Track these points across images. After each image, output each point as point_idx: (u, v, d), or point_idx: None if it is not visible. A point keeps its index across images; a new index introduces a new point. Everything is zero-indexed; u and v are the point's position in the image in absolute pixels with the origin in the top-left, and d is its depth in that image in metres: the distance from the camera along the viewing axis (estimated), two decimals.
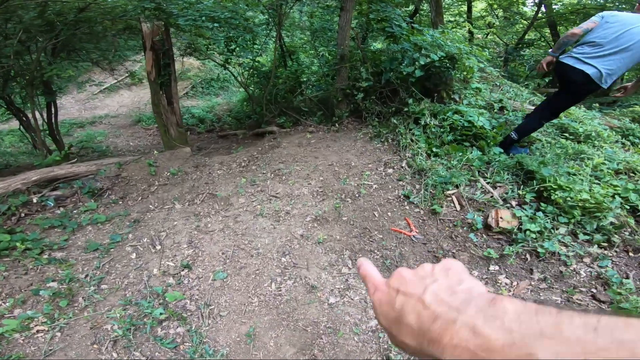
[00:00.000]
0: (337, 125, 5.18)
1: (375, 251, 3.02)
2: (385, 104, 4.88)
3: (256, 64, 6.39)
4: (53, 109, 5.68)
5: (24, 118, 5.08)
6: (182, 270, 2.77)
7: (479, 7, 9.85)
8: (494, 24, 9.84)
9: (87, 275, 2.69)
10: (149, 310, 2.40)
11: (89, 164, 4.34)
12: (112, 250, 3.03)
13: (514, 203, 3.24)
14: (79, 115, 10.07)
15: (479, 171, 3.67)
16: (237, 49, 5.30)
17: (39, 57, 4.75)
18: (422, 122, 4.11)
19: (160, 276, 2.73)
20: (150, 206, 3.86)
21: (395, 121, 4.33)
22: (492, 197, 3.36)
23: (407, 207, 3.44)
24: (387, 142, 4.35)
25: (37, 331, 2.18)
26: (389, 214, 3.38)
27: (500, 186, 3.54)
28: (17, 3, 3.85)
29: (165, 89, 5.22)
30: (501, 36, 9.99)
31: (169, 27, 4.87)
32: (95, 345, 2.16)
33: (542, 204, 3.07)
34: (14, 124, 8.43)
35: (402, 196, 3.52)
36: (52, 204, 3.72)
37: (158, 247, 3.08)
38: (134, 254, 3.00)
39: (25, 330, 2.17)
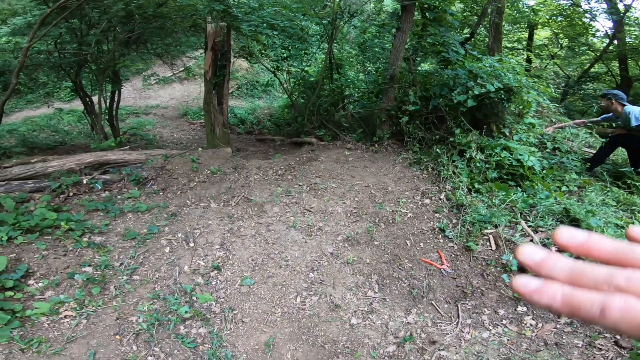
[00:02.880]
0: (376, 145, 5.14)
1: (403, 279, 2.93)
2: (429, 130, 4.78)
3: (304, 73, 6.51)
4: (116, 98, 6.08)
5: (89, 102, 5.49)
6: (212, 271, 2.83)
7: (542, 34, 9.40)
8: (556, 54, 9.33)
9: (121, 264, 2.81)
10: (175, 307, 2.46)
11: (139, 152, 4.59)
12: (148, 241, 3.16)
13: (554, 250, 3.08)
14: (134, 104, 10.74)
15: (521, 213, 3.50)
16: (290, 57, 5.43)
17: (116, 47, 5.14)
18: (467, 155, 3.98)
19: (190, 274, 2.80)
20: (188, 201, 4.00)
21: (438, 150, 4.22)
22: (531, 240, 3.20)
23: (441, 240, 3.32)
24: (426, 171, 4.25)
25: (65, 316, 2.29)
26: (422, 244, 3.28)
27: (542, 231, 3.37)
28: None
29: (218, 90, 5.45)
30: (563, 67, 9.44)
31: (230, 29, 5.10)
32: (117, 336, 2.24)
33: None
34: (75, 104, 9.10)
35: (437, 228, 3.41)
36: (100, 187, 3.95)
37: (191, 244, 3.17)
38: (168, 248, 3.11)
39: (54, 314, 2.28)
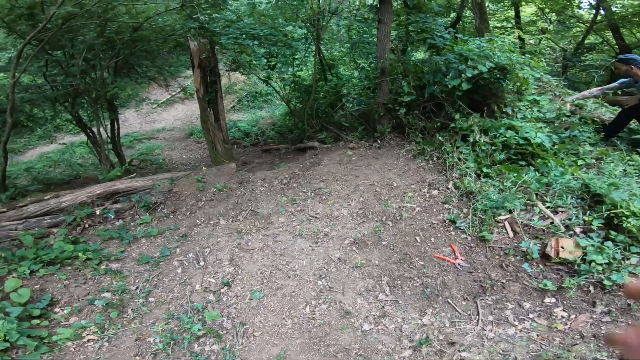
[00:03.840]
0: (379, 141, 5.07)
1: (416, 278, 2.86)
2: (429, 119, 4.67)
3: (297, 78, 6.52)
4: (116, 125, 6.27)
5: (90, 133, 5.68)
6: (222, 287, 2.85)
7: (527, 11, 9.07)
8: (547, 29, 9.00)
9: (137, 287, 2.88)
10: (189, 325, 2.49)
11: (146, 179, 4.70)
12: (161, 263, 3.23)
13: (578, 230, 2.87)
14: (140, 129, 11.04)
15: (537, 194, 3.34)
16: (278, 64, 5.44)
17: (102, 75, 5.29)
18: (471, 139, 3.86)
19: (201, 292, 2.83)
20: (197, 221, 4.05)
21: (440, 138, 4.12)
22: (552, 223, 3.01)
23: (453, 233, 3.22)
24: (431, 161, 4.15)
25: (88, 340, 2.38)
26: (432, 239, 3.19)
27: (562, 211, 3.17)
28: (78, 23, 4.30)
29: (213, 106, 5.53)
30: (557, 41, 9.09)
31: (214, 45, 5.16)
32: (137, 357, 2.29)
33: (611, 232, 2.70)
34: (82, 136, 9.40)
35: (447, 221, 3.32)
36: (113, 216, 4.07)
37: (202, 263, 3.21)
38: (180, 269, 3.16)
39: (78, 338, 2.37)
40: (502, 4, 8.42)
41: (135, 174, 5.11)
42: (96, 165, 7.89)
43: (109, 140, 6.20)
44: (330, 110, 6.31)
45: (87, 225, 3.90)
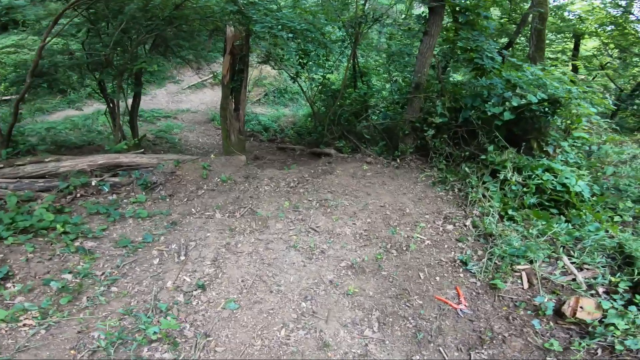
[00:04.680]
0: (398, 160, 4.72)
1: (410, 319, 2.50)
2: (458, 145, 4.29)
3: (326, 80, 6.26)
4: (138, 100, 6.18)
5: (110, 104, 5.60)
6: (196, 289, 2.58)
7: (589, 45, 8.47)
8: (607, 63, 8.31)
9: (103, 274, 2.64)
10: (144, 326, 2.22)
11: (152, 156, 4.53)
12: (139, 250, 2.99)
13: (600, 290, 2.64)
14: (166, 107, 11.11)
15: (564, 247, 2.94)
16: (309, 63, 5.18)
17: (134, 49, 5.20)
18: (501, 176, 3.45)
19: (172, 290, 2.57)
20: (193, 209, 3.82)
21: (467, 169, 3.74)
22: (574, 280, 2.71)
23: (461, 275, 2.85)
24: (452, 192, 3.77)
25: (24, 325, 2.13)
26: (437, 278, 2.82)
27: (588, 269, 2.84)
28: None
29: (235, 95, 5.34)
30: (614, 79, 8.40)
31: (249, 34, 4.98)
32: (72, 351, 2.04)
33: (637, 295, 2.50)
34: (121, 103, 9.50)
35: (458, 261, 2.93)
36: (107, 190, 3.89)
37: (182, 258, 2.95)
38: (157, 260, 2.91)
39: (14, 321, 2.13)
40: (562, 34, 7.91)
41: (143, 150, 4.96)
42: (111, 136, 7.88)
43: (128, 113, 6.12)
44: (354, 119, 6.01)
45: (78, 195, 3.73)
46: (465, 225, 3.25)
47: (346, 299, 2.57)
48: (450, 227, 3.26)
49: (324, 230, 3.22)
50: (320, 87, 6.51)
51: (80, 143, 6.61)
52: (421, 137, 4.60)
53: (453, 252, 3.01)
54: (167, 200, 3.99)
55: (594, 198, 3.48)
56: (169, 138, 8.24)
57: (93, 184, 3.89)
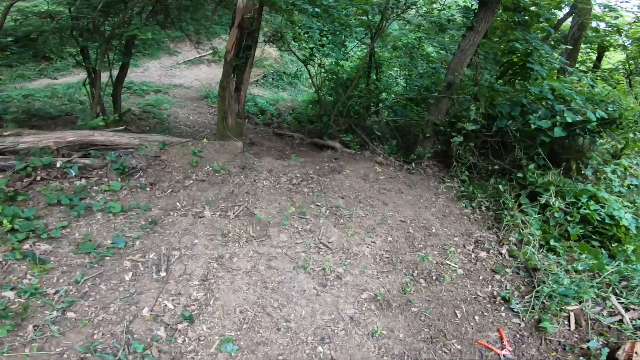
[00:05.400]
0: (413, 165, 4.23)
1: None
2: (484, 156, 3.84)
3: (339, 67, 5.62)
4: (124, 71, 5.36)
5: (92, 74, 4.78)
6: (182, 322, 2.01)
7: (615, 57, 8.18)
8: (628, 76, 8.00)
9: (57, 292, 2.01)
10: None
11: (133, 136, 3.81)
12: (107, 258, 2.37)
13: None
14: (158, 81, 10.29)
15: (610, 285, 2.59)
16: (327, 45, 4.52)
17: (127, 14, 4.39)
18: (542, 200, 3.02)
19: (149, 320, 1.99)
20: (178, 204, 3.21)
21: (500, 187, 3.28)
22: (620, 321, 2.41)
23: (503, 314, 2.42)
24: (479, 210, 3.32)
25: None
26: (476, 317, 2.38)
27: (635, 309, 2.53)
28: None
29: (238, 73, 4.66)
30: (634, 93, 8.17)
31: (262, 6, 4.29)
32: None
33: None
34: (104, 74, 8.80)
35: (498, 297, 2.50)
36: (74, 173, 3.19)
37: (162, 274, 2.36)
38: (130, 274, 2.31)
39: None
40: (589, 44, 7.56)
41: (125, 127, 4.23)
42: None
43: (112, 84, 5.30)
44: (364, 113, 5.45)
45: (38, 178, 3.02)
46: (501, 254, 2.82)
47: (371, 341, 2.08)
48: (483, 254, 2.82)
49: (338, 247, 2.70)
50: (329, 75, 5.88)
51: (57, 113, 5.78)
52: (443, 141, 4.11)
53: (490, 286, 2.57)
54: (148, 189, 3.35)
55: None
56: (157, 113, 7.43)
57: (58, 165, 3.18)
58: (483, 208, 3.31)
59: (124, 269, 2.31)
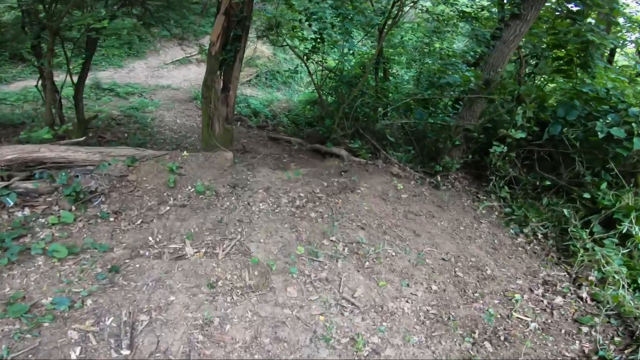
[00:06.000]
0: (439, 177, 3.56)
1: None
2: (527, 168, 3.20)
3: (345, 63, 4.92)
4: (86, 68, 4.54)
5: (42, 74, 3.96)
6: None
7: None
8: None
9: None
10: None
11: (93, 150, 3.02)
12: (44, 325, 1.62)
13: None
14: (144, 82, 9.58)
15: None
16: (337, 31, 3.78)
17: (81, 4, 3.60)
18: (622, 228, 2.36)
19: None
20: (150, 239, 2.47)
21: (564, 210, 2.61)
22: None
23: None
24: (535, 239, 2.66)
25: None
26: None
27: None
28: None
29: (226, 70, 3.88)
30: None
31: None
32: None
33: None
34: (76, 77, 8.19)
35: (592, 356, 1.84)
36: (12, 203, 2.43)
37: (124, 352, 1.62)
38: (78, 350, 1.57)
39: None
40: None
41: (85, 137, 3.43)
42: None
43: (71, 86, 4.47)
44: (374, 115, 4.77)
45: None
46: (581, 298, 2.17)
47: None
48: (558, 299, 2.16)
49: (368, 304, 1.99)
50: (332, 72, 5.17)
51: (18, 121, 4.98)
52: (475, 149, 3.46)
53: (578, 342, 1.91)
54: (111, 220, 2.61)
55: None
56: (140, 117, 6.63)
57: None
58: (540, 236, 2.65)
59: (68, 341, 1.57)
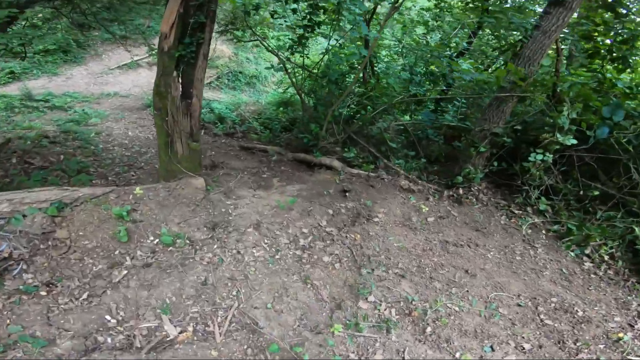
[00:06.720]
0: (460, 191, 3.02)
1: None
2: (564, 175, 2.75)
3: (334, 55, 4.23)
4: None
5: None
6: None
7: None
8: None
9: None
10: None
11: None
12: None
13: None
14: (86, 90, 8.30)
15: None
16: (326, 22, 3.04)
17: None
18: None
19: None
20: (108, 317, 1.74)
21: (636, 229, 2.16)
22: None
23: None
24: (602, 261, 2.20)
25: None
26: None
27: None
28: None
29: (185, 70, 2.94)
30: None
31: None
32: None
33: None
34: (10, 88, 6.81)
35: None
36: None
37: None
38: None
39: None
40: None
41: None
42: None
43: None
44: (369, 118, 4.15)
45: None
46: None
47: None
48: None
49: None
50: (316, 70, 4.44)
51: None
52: (502, 156, 2.96)
53: None
54: (43, 295, 1.75)
55: None
56: (81, 132, 5.35)
57: None
58: (606, 258, 2.18)
59: None
